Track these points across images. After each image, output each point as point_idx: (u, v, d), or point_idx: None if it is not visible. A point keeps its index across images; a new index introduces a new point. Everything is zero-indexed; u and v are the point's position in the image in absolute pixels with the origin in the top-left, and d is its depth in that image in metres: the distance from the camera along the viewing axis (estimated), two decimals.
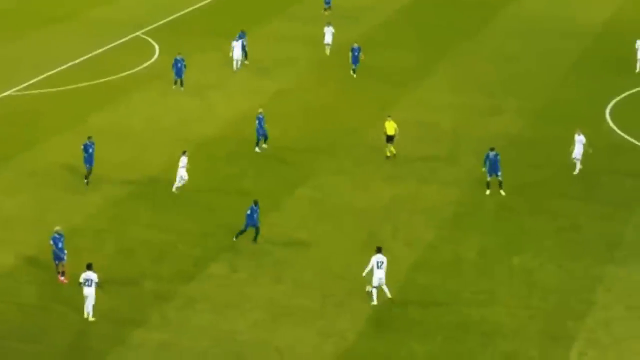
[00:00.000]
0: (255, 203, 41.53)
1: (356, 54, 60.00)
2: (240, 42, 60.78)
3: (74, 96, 58.07)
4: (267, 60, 63.11)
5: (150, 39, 67.54)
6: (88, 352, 34.49)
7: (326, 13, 71.84)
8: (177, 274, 39.14)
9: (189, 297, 37.56)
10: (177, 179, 45.53)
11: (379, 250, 37.43)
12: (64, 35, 68.23)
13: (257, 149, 50.16)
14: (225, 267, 39.69)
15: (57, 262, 38.56)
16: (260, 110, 50.91)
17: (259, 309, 36.80)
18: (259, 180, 47.26)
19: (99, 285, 35.90)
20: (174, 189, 45.57)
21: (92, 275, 35.90)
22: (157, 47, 65.84)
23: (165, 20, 71.63)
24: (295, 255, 40.68)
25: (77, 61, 63.16)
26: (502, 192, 45.39)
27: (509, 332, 35.42)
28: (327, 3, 73.22)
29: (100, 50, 65.06)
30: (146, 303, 37.20)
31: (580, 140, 47.26)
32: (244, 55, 62.18)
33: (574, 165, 47.39)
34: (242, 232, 41.30)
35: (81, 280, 36.03)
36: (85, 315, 35.93)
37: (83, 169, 47.07)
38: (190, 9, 74.79)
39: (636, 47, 61.49)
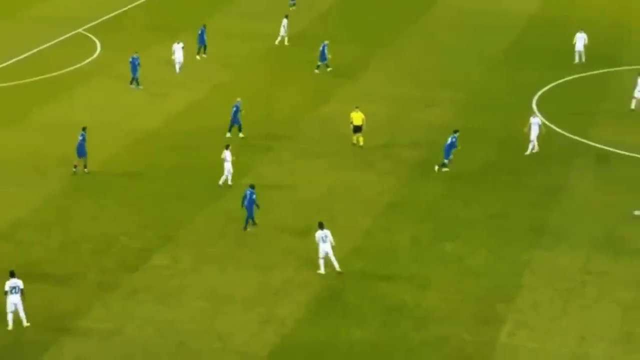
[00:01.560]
0: (252, 187, 41.66)
1: (323, 50, 60.01)
2: (181, 44, 60.15)
3: (17, 92, 57.38)
4: (208, 54, 62.83)
5: (91, 36, 66.90)
6: (31, 343, 34.05)
7: (291, 9, 71.79)
8: (120, 266, 38.92)
9: (132, 288, 37.39)
10: (225, 172, 44.98)
11: (320, 226, 38.21)
12: (4, 33, 67.28)
13: (228, 134, 50.29)
14: (167, 258, 39.55)
15: None
16: (239, 99, 50.95)
17: (200, 298, 36.74)
18: (199, 172, 47.10)
19: (22, 294, 34.40)
20: (220, 183, 45.03)
21: (17, 282, 34.41)
22: (98, 43, 65.26)
23: (106, 17, 70.99)
24: (234, 245, 40.64)
25: (18, 58, 62.34)
26: (436, 167, 46.47)
27: (442, 315, 35.75)
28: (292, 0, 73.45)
29: (41, 47, 64.31)
30: (90, 294, 36.94)
31: (536, 122, 48.48)
32: (203, 48, 62.13)
33: (528, 146, 48.56)
34: (247, 220, 41.45)
35: (7, 288, 34.42)
36: (24, 323, 34.56)
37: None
38: (131, 5, 74.21)
39: (574, 40, 61.94)
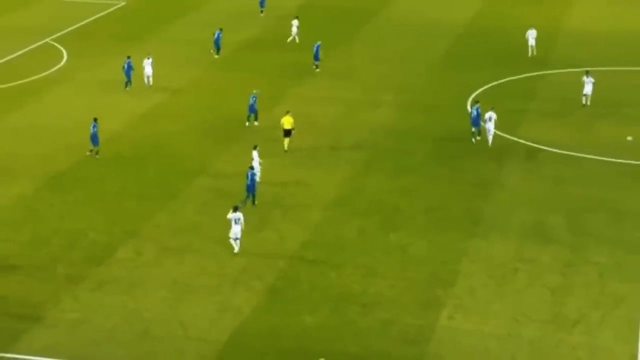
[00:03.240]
0: (252, 168, 42.58)
1: (316, 51, 60.25)
2: (150, 60, 59.21)
3: None
4: (168, 61, 62.38)
5: (58, 45, 66.08)
6: (3, 332, 33.49)
7: (262, 15, 72.16)
8: (87, 259, 38.44)
9: (99, 280, 36.95)
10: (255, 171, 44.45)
11: (235, 209, 38.52)
12: None
13: (247, 124, 51.26)
14: (131, 252, 39.14)
15: None
16: (255, 91, 51.44)
17: (163, 289, 36.41)
18: (160, 171, 46.75)
19: None
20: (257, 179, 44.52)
21: None
22: (65, 52, 64.49)
23: (72, 27, 70.16)
24: (194, 238, 40.34)
25: None
26: (473, 140, 49.08)
27: (387, 301, 35.75)
28: (262, 5, 73.68)
29: (11, 57, 63.40)
30: (60, 286, 36.45)
31: (491, 117, 49.42)
32: (216, 49, 63.00)
33: (488, 139, 49.64)
34: (247, 197, 42.11)
35: None
36: None
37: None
38: (96, 16, 73.45)
39: (526, 36, 63.72)
